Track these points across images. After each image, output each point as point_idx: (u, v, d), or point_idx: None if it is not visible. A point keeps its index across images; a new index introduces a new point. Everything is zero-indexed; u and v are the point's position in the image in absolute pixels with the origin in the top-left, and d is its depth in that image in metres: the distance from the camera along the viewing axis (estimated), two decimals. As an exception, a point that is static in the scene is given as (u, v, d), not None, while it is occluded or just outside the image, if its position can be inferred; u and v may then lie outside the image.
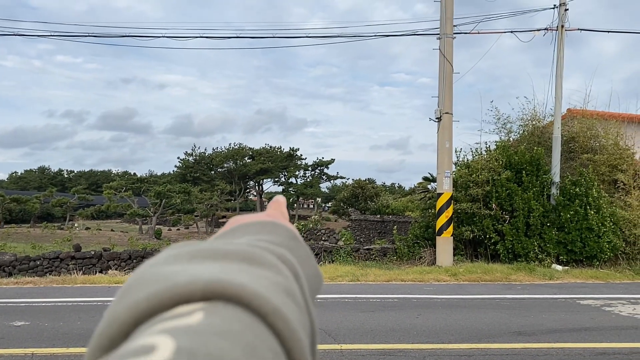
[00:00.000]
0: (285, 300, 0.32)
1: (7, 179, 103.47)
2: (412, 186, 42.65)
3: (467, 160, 15.96)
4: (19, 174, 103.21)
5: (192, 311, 0.28)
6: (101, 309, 8.43)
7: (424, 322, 7.47)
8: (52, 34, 15.78)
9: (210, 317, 0.28)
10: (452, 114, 14.36)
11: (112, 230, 40.71)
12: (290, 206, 63.42)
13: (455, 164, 15.71)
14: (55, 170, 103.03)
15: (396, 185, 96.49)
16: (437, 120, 14.42)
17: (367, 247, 15.76)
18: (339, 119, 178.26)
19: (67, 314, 7.99)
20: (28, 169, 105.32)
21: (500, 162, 15.13)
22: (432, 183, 17.96)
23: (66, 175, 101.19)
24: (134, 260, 14.72)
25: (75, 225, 45.25)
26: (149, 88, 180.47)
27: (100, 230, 39.54)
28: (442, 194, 14.14)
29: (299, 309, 0.33)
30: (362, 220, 28.90)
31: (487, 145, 16.40)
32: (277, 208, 0.54)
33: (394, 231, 17.25)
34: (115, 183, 44.84)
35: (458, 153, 16.05)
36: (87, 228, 41.41)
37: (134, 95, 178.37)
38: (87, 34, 15.31)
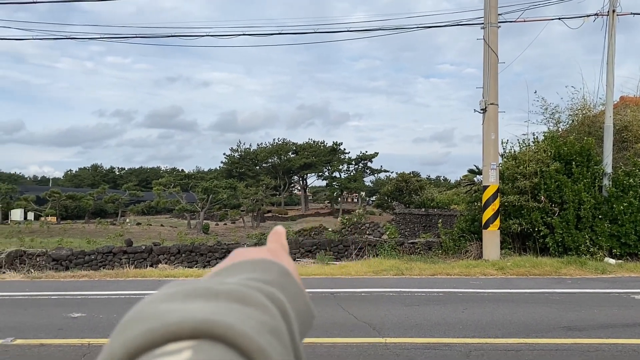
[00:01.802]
0: (270, 339, 0.34)
1: (63, 176, 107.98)
2: (458, 179, 42.00)
3: (514, 151, 15.60)
4: (74, 172, 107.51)
5: (182, 349, 0.30)
6: (152, 301, 8.72)
7: (470, 317, 7.38)
8: (103, 36, 16.37)
9: (197, 355, 0.30)
10: (497, 105, 14.05)
11: (161, 225, 41.88)
12: (334, 200, 63.53)
13: (502, 155, 15.38)
14: (107, 168, 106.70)
15: (441, 178, 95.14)
16: (482, 111, 14.14)
17: (411, 240, 15.65)
18: (383, 112, 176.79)
19: (121, 306, 8.32)
20: (82, 167, 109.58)
21: (549, 153, 14.71)
22: (477, 176, 17.66)
23: (117, 173, 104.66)
24: (183, 254, 15.13)
25: (127, 220, 46.78)
26: (194, 86, 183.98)
27: (151, 225, 40.75)
28: (488, 186, 13.87)
29: (283, 347, 0.35)
30: (407, 214, 28.69)
31: (535, 136, 15.97)
32: (277, 240, 0.56)
33: (439, 225, 17.06)
34: (164, 179, 46.08)
35: (504, 144, 15.71)
36: (138, 223, 42.74)
37: (179, 94, 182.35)
38: (135, 35, 15.80)
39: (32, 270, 13.22)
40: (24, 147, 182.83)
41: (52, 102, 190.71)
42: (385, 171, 64.96)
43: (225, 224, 45.49)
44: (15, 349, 5.90)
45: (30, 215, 49.20)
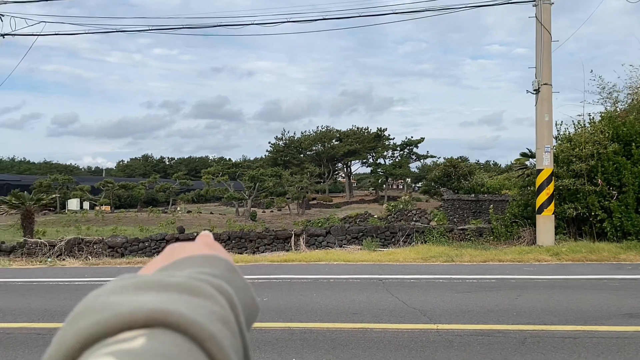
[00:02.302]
0: (220, 327, 0.35)
1: (115, 167, 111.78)
2: (509, 163, 40.92)
3: (569, 133, 15.03)
4: (125, 162, 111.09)
5: (135, 337, 0.31)
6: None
7: (524, 303, 7.19)
8: (150, 28, 16.70)
9: (151, 342, 0.31)
10: (551, 85, 13.54)
11: (211, 213, 42.78)
12: (379, 187, 63.13)
13: (556, 138, 14.86)
14: (157, 158, 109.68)
15: (491, 162, 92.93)
16: (534, 92, 13.66)
17: (461, 227, 15.37)
18: (429, 96, 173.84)
19: (175, 291, 8.53)
20: (133, 157, 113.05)
21: (607, 134, 14.08)
22: (530, 159, 17.15)
23: (167, 162, 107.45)
24: (233, 241, 15.40)
25: (178, 209, 48.04)
26: (239, 76, 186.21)
27: (200, 213, 41.68)
28: (542, 170, 13.43)
29: (232, 335, 0.37)
30: (455, 200, 28.18)
31: (591, 117, 15.32)
32: (205, 241, 0.57)
33: (490, 210, 16.67)
34: (212, 168, 47.04)
35: (558, 126, 15.16)
36: (189, 211, 43.81)
37: (225, 84, 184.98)
38: (181, 26, 16.05)
39: (90, 257, 13.77)
40: (78, 139, 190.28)
41: (103, 94, 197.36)
42: (432, 157, 63.98)
43: (271, 212, 46.02)
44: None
45: (86, 205, 51.22)
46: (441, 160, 52.15)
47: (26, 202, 17.90)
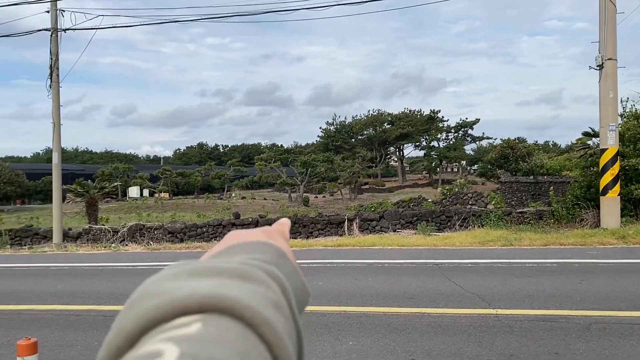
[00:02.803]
0: (273, 312, 0.35)
1: (172, 155, 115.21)
2: (570, 143, 39.28)
3: (636, 110, 14.24)
4: (182, 150, 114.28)
5: (191, 322, 0.32)
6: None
7: (588, 288, 6.91)
8: (202, 17, 16.97)
9: (207, 327, 0.31)
10: (616, 60, 12.83)
11: (264, 198, 43.44)
12: (432, 170, 62.17)
13: (621, 115, 14.14)
14: (212, 146, 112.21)
15: (550, 143, 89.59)
16: (598, 68, 12.99)
17: (520, 210, 14.92)
18: (483, 75, 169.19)
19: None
20: (189, 145, 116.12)
21: (678, 110, 13.26)
22: (593, 138, 16.37)
23: (222, 150, 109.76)
24: (286, 226, 15.58)
25: (233, 195, 49.04)
26: (289, 61, 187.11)
27: (254, 199, 42.40)
28: (606, 149, 12.81)
29: (285, 320, 0.37)
30: (513, 182, 27.36)
31: (661, 93, 14.43)
32: (279, 229, 0.57)
33: (550, 192, 16.08)
34: (265, 155, 47.65)
35: (624, 103, 14.41)
36: (243, 197, 44.66)
37: (275, 70, 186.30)
38: (232, 14, 16.22)
39: (151, 242, 14.28)
40: (136, 128, 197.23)
41: (159, 85, 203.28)
42: (488, 138, 62.38)
43: (324, 197, 46.24)
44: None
45: (145, 192, 53.13)
46: (498, 141, 50.78)
47: (90, 190, 18.73)
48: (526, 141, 50.39)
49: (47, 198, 50.51)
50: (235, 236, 0.51)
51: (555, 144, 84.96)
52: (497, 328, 5.44)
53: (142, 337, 0.32)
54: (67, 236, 15.73)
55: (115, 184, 26.64)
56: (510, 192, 26.67)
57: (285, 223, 0.60)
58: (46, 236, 15.90)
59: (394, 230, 14.59)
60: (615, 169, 12.73)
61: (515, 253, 10.22)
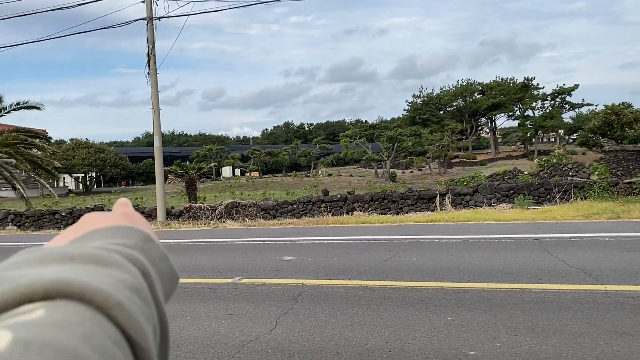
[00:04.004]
0: (128, 294, 0.34)
1: (260, 135, 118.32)
2: (683, 107, 35.71)
3: None
4: (269, 130, 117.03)
5: (34, 309, 0.30)
6: (352, 246, 9.19)
7: None
8: (287, -3, 17.08)
9: (50, 313, 0.30)
10: None
11: (350, 175, 43.61)
12: (527, 141, 59.19)
13: None
14: (298, 125, 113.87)
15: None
16: None
17: (627, 180, 13.88)
18: (582, 38, 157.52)
19: (325, 251, 8.90)
20: (275, 125, 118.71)
21: None
22: None
23: (307, 128, 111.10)
24: (376, 202, 15.57)
25: (319, 172, 49.67)
26: (371, 35, 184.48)
27: (340, 176, 42.70)
28: None
29: (144, 302, 0.35)
30: (619, 151, 25.42)
31: None
32: (123, 211, 0.53)
33: (662, 160, 14.80)
34: (349, 132, 47.64)
35: None
36: (329, 174, 45.11)
37: (358, 45, 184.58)
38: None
39: (246, 219, 14.86)
40: (226, 110, 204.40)
41: (246, 67, 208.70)
42: (589, 105, 58.19)
43: (411, 172, 45.62)
44: (243, 287, 6.70)
45: (237, 172, 55.15)
46: (600, 108, 47.28)
47: (189, 171, 19.75)
48: (632, 106, 46.48)
49: (148, 179, 53.95)
50: (93, 220, 0.48)
51: (666, 108, 77.74)
52: (607, 305, 5.14)
53: None
54: (169, 214, 16.73)
55: (211, 164, 27.86)
56: (616, 162, 24.81)
57: (124, 203, 0.56)
58: (151, 215, 17.01)
59: (489, 205, 14.13)
60: None
61: (623, 226, 9.56)
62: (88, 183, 47.77)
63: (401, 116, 70.34)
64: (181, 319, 5.53)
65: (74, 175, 48.04)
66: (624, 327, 4.55)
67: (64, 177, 48.12)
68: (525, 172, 25.31)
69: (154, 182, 17.31)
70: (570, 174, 22.50)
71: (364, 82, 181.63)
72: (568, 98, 58.34)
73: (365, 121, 78.13)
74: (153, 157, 17.20)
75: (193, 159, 43.34)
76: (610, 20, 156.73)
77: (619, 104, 39.84)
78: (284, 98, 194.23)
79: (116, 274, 0.35)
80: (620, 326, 4.58)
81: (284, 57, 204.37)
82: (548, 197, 13.91)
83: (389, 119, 78.10)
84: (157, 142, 16.78)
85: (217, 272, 7.65)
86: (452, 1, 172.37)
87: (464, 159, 54.99)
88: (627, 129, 30.70)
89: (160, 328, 0.38)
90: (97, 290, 0.32)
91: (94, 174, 48.37)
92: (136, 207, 17.96)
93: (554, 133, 66.33)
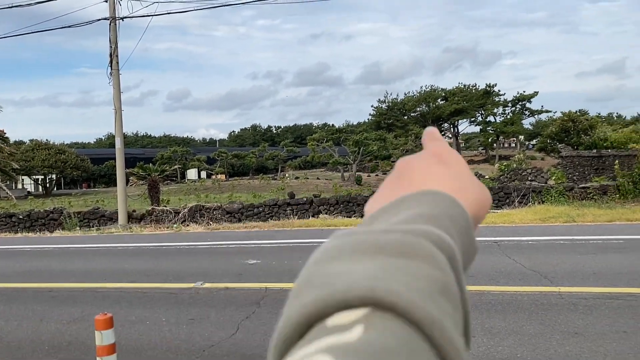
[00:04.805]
0: (441, 302, 0.32)
1: (227, 137, 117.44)
2: (636, 114, 37.19)
3: None
4: (236, 132, 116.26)
5: (352, 324, 0.30)
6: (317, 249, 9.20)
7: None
8: None
9: (368, 333, 0.29)
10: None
11: (317, 178, 43.69)
12: (489, 146, 60.53)
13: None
14: (265, 127, 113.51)
15: (614, 115, 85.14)
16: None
17: (582, 185, 14.37)
18: (542, 46, 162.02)
19: (289, 254, 8.91)
20: (243, 127, 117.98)
21: None
22: (663, 108, 15.43)
23: (274, 131, 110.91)
24: (341, 205, 15.66)
25: (286, 175, 49.61)
26: (338, 40, 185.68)
27: (308, 179, 42.72)
28: (677, 120, 12.07)
29: (453, 307, 0.33)
30: (575, 157, 26.27)
31: None
32: (433, 146, 0.50)
33: (616, 167, 15.37)
34: (317, 135, 47.75)
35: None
36: (297, 177, 45.10)
37: (325, 50, 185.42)
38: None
39: (211, 222, 14.71)
40: (192, 112, 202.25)
41: (212, 68, 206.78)
42: (547, 111, 59.96)
43: (376, 175, 46.01)
44: (205, 292, 6.64)
45: (203, 174, 54.55)
46: (558, 114, 48.73)
47: (152, 173, 19.43)
48: (588, 113, 48.11)
49: (110, 181, 52.79)
50: (407, 170, 0.47)
51: (619, 116, 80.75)
52: (560, 306, 5.32)
53: (309, 329, 0.31)
54: (131, 217, 16.43)
55: (175, 166, 27.45)
56: (572, 167, 25.64)
57: (432, 132, 0.54)
58: (112, 218, 16.67)
59: (450, 208, 14.39)
60: (688, 140, 12.01)
61: (578, 229, 9.88)
62: (48, 185, 46.42)
63: (367, 121, 70.94)
64: (141, 325, 5.44)
65: (34, 177, 46.62)
66: (576, 328, 4.71)
67: (22, 179, 46.66)
68: (487, 177, 25.89)
69: (116, 184, 16.96)
70: (529, 178, 23.11)
71: (330, 86, 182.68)
72: (528, 105, 60.00)
73: (332, 125, 78.56)
74: (115, 159, 16.88)
75: (157, 160, 42.66)
76: (568, 30, 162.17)
77: (576, 111, 41.17)
78: (251, 100, 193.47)
79: (426, 271, 0.34)
80: (573, 327, 4.75)
81: (251, 60, 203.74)
82: (507, 200, 14.27)
83: (355, 123, 78.63)
84: (118, 143, 16.47)
85: (179, 276, 7.55)
86: (418, 8, 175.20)
87: (429, 163, 55.74)
88: (582, 136, 31.75)
89: (464, 323, 0.36)
90: (411, 302, 0.31)
91: (54, 176, 47.05)
92: (96, 210, 17.59)
93: (515, 138, 68.08)
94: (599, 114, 73.26)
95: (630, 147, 26.10)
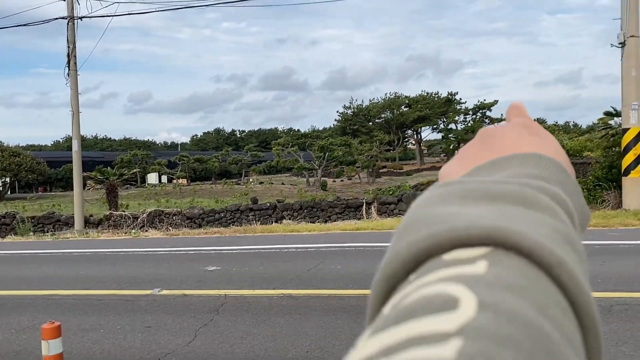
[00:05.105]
0: (566, 249, 0.29)
1: (189, 141, 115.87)
2: (591, 123, 38.59)
3: (659, 88, 13.87)
4: (199, 136, 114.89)
5: (475, 258, 0.27)
6: (279, 255, 9.14)
7: (610, 270, 6.82)
8: (218, 2, 16.91)
9: (494, 268, 0.26)
10: (639, 37, 12.50)
11: (282, 183, 43.56)
12: (451, 153, 61.68)
13: (644, 94, 13.78)
14: (229, 131, 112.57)
15: (571, 123, 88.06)
16: (620, 45, 12.68)
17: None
18: (503, 56, 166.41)
19: (251, 260, 8.81)
20: (206, 131, 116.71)
21: None
22: (615, 118, 16.03)
23: (239, 135, 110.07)
24: (305, 210, 15.63)
25: (250, 180, 49.25)
26: (303, 45, 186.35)
27: (272, 184, 42.53)
28: (628, 129, 12.55)
29: (579, 257, 0.30)
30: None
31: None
32: (524, 123, 0.46)
33: (570, 173, 15.86)
34: (282, 140, 47.67)
35: (647, 81, 14.02)
36: (261, 182, 44.82)
37: (291, 54, 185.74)
38: (247, -1, 16.11)
39: (170, 228, 14.45)
40: (154, 115, 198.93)
41: (175, 71, 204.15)
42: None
43: (341, 181, 46.22)
44: (163, 299, 6.49)
45: (164, 179, 53.64)
46: (516, 123, 49.91)
47: (110, 177, 18.99)
48: (546, 122, 49.65)
49: (68, 185, 51.30)
50: (495, 138, 0.42)
51: (575, 125, 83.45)
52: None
53: (418, 266, 0.28)
54: (88, 222, 15.99)
55: (134, 170, 26.96)
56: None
57: (518, 106, 0.50)
58: (68, 223, 16.19)
59: (412, 214, 14.55)
60: (637, 149, 12.49)
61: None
62: (1, 189, 44.77)
63: (332, 126, 71.40)
64: (94, 333, 5.27)
65: (-15, 180, 44.90)
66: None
67: (-27, 182, 44.87)
68: (448, 183, 26.22)
69: (73, 188, 16.49)
70: (489, 185, 23.58)
71: (296, 91, 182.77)
72: (488, 113, 61.46)
73: (298, 130, 78.50)
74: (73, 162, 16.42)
75: (116, 164, 41.72)
76: (528, 40, 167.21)
77: (534, 120, 42.34)
78: (215, 104, 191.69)
79: (548, 221, 0.30)
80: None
81: (215, 63, 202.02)
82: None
83: (320, 128, 78.98)
84: (75, 146, 16.03)
85: (135, 283, 7.37)
86: (382, 16, 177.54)
87: (392, 169, 56.42)
88: (540, 143, 32.66)
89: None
90: (537, 243, 0.28)
91: (7, 179, 45.42)
92: (52, 215, 17.05)
93: (476, 146, 69.49)
94: (557, 122, 75.69)
95: (585, 155, 27.05)
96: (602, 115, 18.21)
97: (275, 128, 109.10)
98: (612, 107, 16.21)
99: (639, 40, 12.53)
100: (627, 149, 12.56)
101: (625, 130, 12.64)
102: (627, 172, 12.62)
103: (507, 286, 0.25)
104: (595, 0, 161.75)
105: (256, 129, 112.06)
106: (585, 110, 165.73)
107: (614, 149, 14.40)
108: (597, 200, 13.53)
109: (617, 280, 6.26)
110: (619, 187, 13.09)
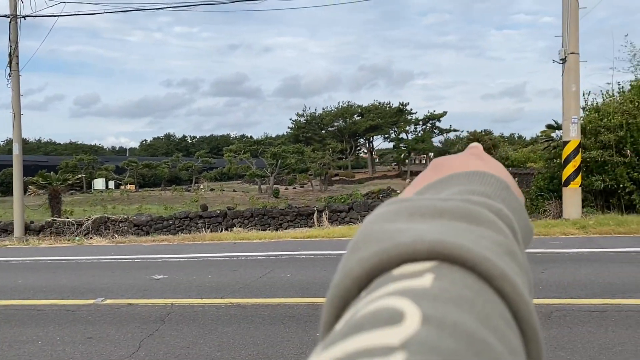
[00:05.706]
0: (507, 261, 0.30)
1: (139, 146, 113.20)
2: (534, 136, 40.19)
3: (597, 103, 14.65)
4: (148, 141, 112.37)
5: (421, 272, 0.28)
6: (228, 263, 9.02)
7: (550, 277, 7.08)
8: (169, 5, 16.65)
9: (440, 281, 0.28)
10: (578, 54, 13.12)
11: (234, 190, 43.12)
12: (401, 162, 62.77)
13: (583, 108, 14.48)
14: (180, 137, 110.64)
15: (515, 135, 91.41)
16: (561, 62, 13.27)
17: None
18: (452, 68, 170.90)
19: (199, 269, 8.65)
20: (155, 136, 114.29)
21: (636, 103, 13.67)
22: (556, 131, 16.75)
23: (189, 141, 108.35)
24: (256, 218, 15.51)
25: (201, 187, 48.49)
26: (257, 52, 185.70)
27: (224, 191, 42.03)
28: (568, 141, 13.12)
29: (520, 269, 0.32)
30: (479, 174, 27.84)
31: (621, 87, 14.88)
32: (474, 152, 0.49)
33: (514, 184, 16.43)
34: (234, 146, 47.26)
35: (586, 97, 14.75)
36: (212, 189, 44.22)
37: (244, 60, 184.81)
38: (200, 3, 15.95)
39: (116, 235, 14.02)
40: (101, 119, 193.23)
41: (124, 74, 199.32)
42: (455, 130, 63.30)
43: (294, 188, 46.19)
44: (106, 308, 6.28)
45: (111, 184, 52.03)
46: (464, 134, 51.56)
47: (53, 182, 18.26)
48: (492, 133, 51.32)
49: (8, 190, 48.97)
50: (445, 163, 0.45)
51: (520, 136, 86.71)
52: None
53: (370, 282, 0.29)
54: (29, 229, 15.31)
55: (80, 175, 26.04)
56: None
57: (476, 145, 0.52)
58: (7, 229, 15.45)
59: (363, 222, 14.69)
60: (577, 161, 13.07)
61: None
62: None
63: (285, 134, 71.36)
64: (32, 345, 5.04)
65: None
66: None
67: None
68: (398, 192, 26.73)
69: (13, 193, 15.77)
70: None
71: (249, 97, 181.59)
72: (438, 123, 63.11)
73: (250, 137, 78.09)
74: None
75: (60, 169, 40.20)
76: (476, 54, 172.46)
77: (481, 131, 43.87)
78: (165, 109, 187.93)
79: (490, 235, 0.31)
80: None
81: (166, 67, 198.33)
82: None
83: (273, 135, 78.75)
84: (16, 149, 15.35)
85: (77, 292, 7.09)
86: (336, 25, 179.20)
87: (344, 177, 56.86)
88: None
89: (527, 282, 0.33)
90: (479, 256, 0.29)
91: (-59, 183, 42.98)
92: (-11, 221, 16.21)
93: (425, 155, 71.11)
94: (502, 134, 78.42)
95: (528, 165, 28.12)
96: (544, 128, 19.01)
97: (228, 134, 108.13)
98: (554, 121, 16.93)
99: (579, 57, 13.16)
100: (567, 160, 13.13)
101: (566, 142, 13.21)
102: (567, 182, 13.19)
103: (452, 299, 0.26)
104: (540, 18, 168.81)
105: (208, 135, 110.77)
106: (529, 122, 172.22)
107: (555, 160, 15.00)
108: (539, 209, 14.05)
109: (557, 287, 6.51)
110: (559, 197, 13.64)
